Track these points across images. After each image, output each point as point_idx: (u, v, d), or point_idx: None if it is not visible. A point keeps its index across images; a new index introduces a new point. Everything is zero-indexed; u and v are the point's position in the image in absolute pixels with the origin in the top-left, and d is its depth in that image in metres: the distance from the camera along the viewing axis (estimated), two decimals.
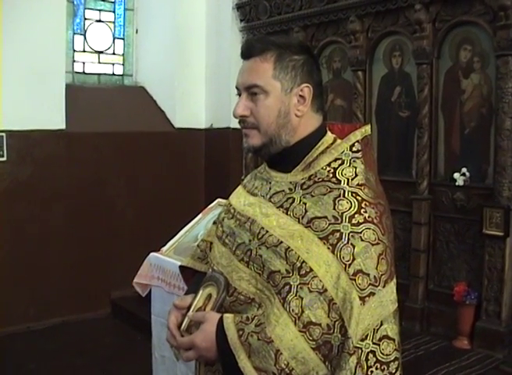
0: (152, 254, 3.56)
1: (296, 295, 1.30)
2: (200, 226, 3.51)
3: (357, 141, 1.44)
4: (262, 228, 1.42)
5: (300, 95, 1.44)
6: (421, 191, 4.13)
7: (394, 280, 1.35)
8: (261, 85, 1.43)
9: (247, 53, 1.47)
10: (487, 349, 3.70)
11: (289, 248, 1.34)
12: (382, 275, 1.31)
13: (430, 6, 4.02)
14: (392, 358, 1.30)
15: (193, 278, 1.72)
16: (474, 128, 3.93)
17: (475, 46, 3.88)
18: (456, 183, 3.93)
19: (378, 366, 1.28)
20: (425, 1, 3.99)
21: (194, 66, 5.88)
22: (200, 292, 1.48)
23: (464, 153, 3.99)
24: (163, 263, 3.39)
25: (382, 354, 1.28)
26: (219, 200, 3.67)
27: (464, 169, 3.92)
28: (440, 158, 4.12)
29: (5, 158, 4.82)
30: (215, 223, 1.68)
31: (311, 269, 1.30)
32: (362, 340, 1.27)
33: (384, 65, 4.46)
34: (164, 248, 3.53)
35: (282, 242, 1.36)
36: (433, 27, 4.05)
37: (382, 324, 1.30)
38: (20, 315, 4.89)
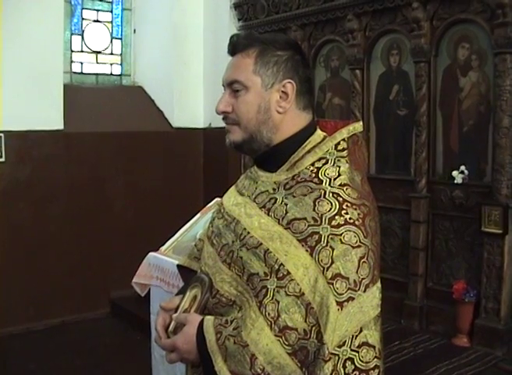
0: (151, 253, 3.56)
1: (272, 299, 1.26)
2: (198, 225, 3.51)
3: (343, 139, 1.39)
4: (244, 229, 1.38)
5: (283, 91, 1.40)
6: (420, 189, 4.13)
7: (378, 284, 1.29)
8: (242, 80, 1.41)
9: (232, 49, 1.47)
10: (486, 347, 3.70)
11: (268, 250, 1.30)
12: (362, 279, 1.25)
13: (427, 4, 4.01)
14: (372, 366, 1.24)
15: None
16: (473, 126, 3.92)
17: (473, 44, 3.88)
18: (455, 181, 3.93)
19: (357, 374, 1.22)
20: None
21: (192, 65, 5.88)
22: (188, 293, 1.46)
23: (462, 151, 3.99)
24: (162, 263, 3.39)
25: (362, 361, 1.22)
26: (218, 199, 3.66)
27: (462, 167, 3.92)
28: (438, 156, 4.12)
29: (3, 159, 4.82)
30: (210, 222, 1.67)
31: (289, 272, 1.26)
32: (339, 346, 1.21)
33: (382, 63, 4.46)
34: (163, 248, 3.53)
35: (261, 244, 1.32)
36: (431, 25, 4.05)
37: (361, 330, 1.24)
38: (20, 315, 4.89)
